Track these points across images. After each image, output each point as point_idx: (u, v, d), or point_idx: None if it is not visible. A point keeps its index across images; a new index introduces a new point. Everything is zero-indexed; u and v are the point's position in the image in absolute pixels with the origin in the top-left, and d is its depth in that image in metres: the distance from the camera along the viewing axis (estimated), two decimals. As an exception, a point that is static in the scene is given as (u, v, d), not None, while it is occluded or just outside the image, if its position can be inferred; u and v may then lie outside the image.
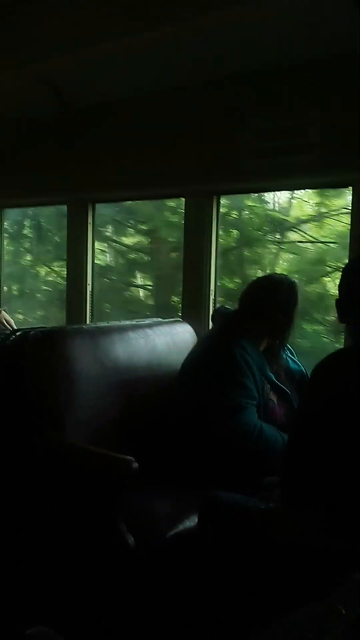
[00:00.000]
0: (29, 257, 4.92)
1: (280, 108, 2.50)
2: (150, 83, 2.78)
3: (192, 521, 1.87)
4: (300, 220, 3.50)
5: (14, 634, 1.04)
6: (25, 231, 4.81)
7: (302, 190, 3.27)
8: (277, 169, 2.53)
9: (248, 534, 1.63)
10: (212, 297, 2.79)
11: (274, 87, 2.52)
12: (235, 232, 3.69)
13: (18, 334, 2.38)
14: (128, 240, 4.53)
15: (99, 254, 4.03)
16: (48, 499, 2.05)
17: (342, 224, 2.97)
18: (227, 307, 2.51)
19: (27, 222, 4.75)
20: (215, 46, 2.45)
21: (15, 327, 3.43)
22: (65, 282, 3.52)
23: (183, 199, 2.94)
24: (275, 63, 2.45)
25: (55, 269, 4.63)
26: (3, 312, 3.54)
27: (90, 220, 3.33)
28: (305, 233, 3.52)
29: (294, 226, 3.54)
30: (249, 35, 2.35)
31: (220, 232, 2.91)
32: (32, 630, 1.03)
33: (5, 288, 4.33)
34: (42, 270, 4.85)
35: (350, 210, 2.48)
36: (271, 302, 2.27)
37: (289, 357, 2.38)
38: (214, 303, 2.80)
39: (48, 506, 2.04)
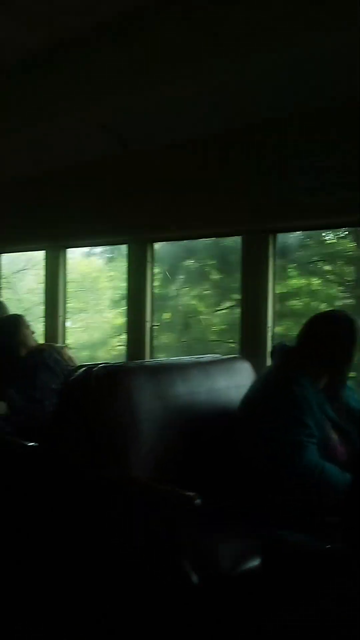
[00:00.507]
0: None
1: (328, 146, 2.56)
2: (204, 126, 2.88)
3: (256, 561, 1.85)
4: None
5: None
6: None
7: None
8: (334, 206, 2.56)
9: (311, 576, 1.61)
10: (270, 333, 2.81)
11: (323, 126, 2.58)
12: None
13: (82, 370, 2.47)
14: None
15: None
16: (112, 532, 2.08)
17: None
18: (286, 343, 2.51)
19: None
20: (270, 86, 2.52)
21: (75, 362, 3.55)
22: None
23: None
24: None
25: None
26: (66, 349, 3.67)
27: (149, 258, 3.43)
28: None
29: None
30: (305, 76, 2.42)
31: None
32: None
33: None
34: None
35: None
36: (330, 339, 2.27)
37: (350, 395, 2.36)
38: (272, 339, 2.82)
39: (112, 540, 2.07)
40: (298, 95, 2.54)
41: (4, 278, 4.93)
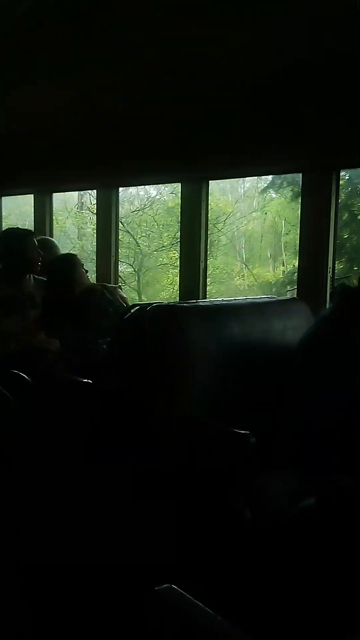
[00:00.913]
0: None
1: None
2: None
3: (309, 501, 1.83)
4: None
5: (145, 590, 1.08)
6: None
7: None
8: None
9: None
10: (329, 274, 2.71)
11: None
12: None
13: (137, 309, 2.45)
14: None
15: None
16: (166, 468, 2.11)
17: None
18: (346, 284, 2.42)
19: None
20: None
21: (127, 302, 3.56)
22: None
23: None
24: None
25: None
26: (119, 289, 3.67)
27: (203, 197, 3.34)
28: None
29: None
30: None
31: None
32: (162, 587, 1.07)
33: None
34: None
35: None
36: None
37: None
38: (332, 281, 2.72)
39: (165, 476, 2.10)
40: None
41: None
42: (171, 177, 3.66)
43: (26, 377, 1.74)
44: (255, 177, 8.90)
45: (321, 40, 2.44)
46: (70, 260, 3.36)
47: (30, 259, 3.34)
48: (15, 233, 3.51)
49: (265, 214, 10.14)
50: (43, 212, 4.51)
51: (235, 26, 2.52)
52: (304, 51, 2.55)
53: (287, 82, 2.72)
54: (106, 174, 3.89)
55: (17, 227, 3.79)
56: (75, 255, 3.47)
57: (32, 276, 3.41)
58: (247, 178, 8.91)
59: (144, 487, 2.17)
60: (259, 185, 9.79)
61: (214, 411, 2.16)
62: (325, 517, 1.71)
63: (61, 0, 2.40)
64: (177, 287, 3.48)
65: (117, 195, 4.02)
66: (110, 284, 3.71)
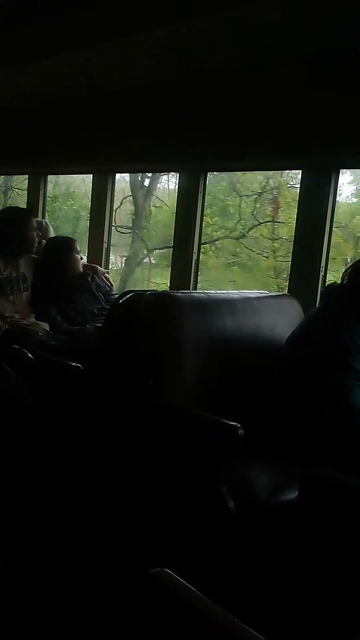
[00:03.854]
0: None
1: None
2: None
3: (292, 493, 1.88)
4: None
5: (137, 573, 1.11)
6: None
7: None
8: None
9: (353, 512, 1.63)
10: (322, 272, 2.74)
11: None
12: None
13: (130, 295, 2.47)
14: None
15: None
16: (154, 457, 2.13)
17: None
18: (336, 283, 2.45)
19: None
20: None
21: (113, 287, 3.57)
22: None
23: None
24: None
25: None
26: (107, 274, 3.67)
27: (200, 189, 3.34)
28: None
29: None
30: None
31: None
32: (154, 570, 1.09)
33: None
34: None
35: None
36: None
37: None
38: (324, 279, 2.75)
39: (152, 463, 2.12)
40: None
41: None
42: (168, 167, 3.64)
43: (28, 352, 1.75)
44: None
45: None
46: (67, 244, 3.35)
47: (29, 239, 3.32)
48: (15, 212, 3.49)
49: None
50: (37, 194, 4.47)
51: (235, 14, 2.52)
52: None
53: (288, 77, 2.73)
54: (101, 159, 3.87)
55: (17, 207, 3.76)
56: (73, 239, 3.46)
57: (28, 256, 3.40)
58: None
59: (132, 473, 2.19)
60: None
61: (203, 401, 2.18)
62: (307, 507, 1.75)
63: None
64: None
65: (113, 181, 4.01)
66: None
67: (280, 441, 2.17)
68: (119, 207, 5.76)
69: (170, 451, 2.09)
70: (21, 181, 6.45)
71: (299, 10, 2.42)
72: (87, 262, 3.81)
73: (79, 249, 3.40)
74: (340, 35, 2.43)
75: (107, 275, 3.66)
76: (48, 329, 3.23)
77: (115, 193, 4.10)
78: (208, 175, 3.40)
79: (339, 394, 2.09)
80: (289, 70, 2.69)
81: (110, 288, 3.57)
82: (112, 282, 3.67)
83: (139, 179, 6.17)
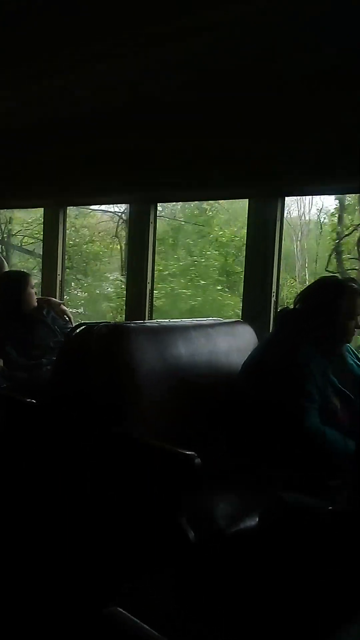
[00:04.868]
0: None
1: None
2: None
3: (252, 520, 1.86)
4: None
5: (91, 613, 1.08)
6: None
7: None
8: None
9: (315, 536, 1.62)
10: (273, 297, 2.78)
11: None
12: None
13: (82, 327, 2.45)
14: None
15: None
16: (110, 490, 2.09)
17: None
18: (289, 308, 2.49)
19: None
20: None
21: (72, 320, 3.54)
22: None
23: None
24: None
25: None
26: (62, 306, 3.64)
27: (151, 219, 3.37)
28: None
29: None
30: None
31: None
32: (108, 610, 1.06)
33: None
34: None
35: None
36: (331, 305, 2.25)
37: (355, 362, 2.36)
38: (276, 305, 2.79)
39: (110, 497, 2.08)
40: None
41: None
42: (120, 198, 3.67)
43: None
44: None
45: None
46: (21, 279, 3.31)
47: None
48: None
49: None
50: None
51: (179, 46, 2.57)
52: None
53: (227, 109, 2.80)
54: (54, 193, 3.87)
55: None
56: (27, 273, 3.43)
57: None
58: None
59: (89, 505, 2.14)
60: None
61: (160, 430, 2.16)
62: (268, 532, 1.74)
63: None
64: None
65: (65, 215, 4.01)
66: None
67: (240, 467, 2.16)
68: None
69: (128, 482, 2.05)
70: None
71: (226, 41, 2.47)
72: (42, 295, 3.78)
73: (33, 284, 3.37)
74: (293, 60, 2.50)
75: (63, 307, 3.63)
76: (2, 364, 3.17)
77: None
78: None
79: (296, 418, 2.10)
80: (232, 102, 2.76)
81: (68, 320, 3.53)
82: (70, 315, 3.64)
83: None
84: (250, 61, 2.50)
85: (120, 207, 6.71)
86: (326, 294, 2.29)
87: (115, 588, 1.77)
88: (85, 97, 3.25)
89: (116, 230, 6.96)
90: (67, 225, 4.11)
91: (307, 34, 2.22)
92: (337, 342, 2.31)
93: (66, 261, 4.10)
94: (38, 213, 6.72)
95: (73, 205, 4.09)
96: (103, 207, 7.05)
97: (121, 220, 6.95)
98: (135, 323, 2.58)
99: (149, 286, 3.37)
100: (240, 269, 5.18)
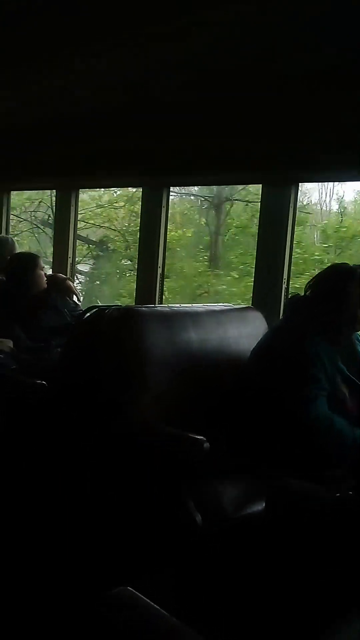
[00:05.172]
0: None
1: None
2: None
3: (259, 505, 1.88)
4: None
5: (99, 594, 1.09)
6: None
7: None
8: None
9: (319, 522, 1.63)
10: (284, 284, 2.78)
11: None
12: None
13: (94, 311, 2.45)
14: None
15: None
16: (120, 473, 2.11)
17: None
18: (300, 295, 2.48)
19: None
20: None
21: (79, 297, 3.53)
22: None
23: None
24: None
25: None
26: (68, 281, 3.63)
27: (163, 203, 3.36)
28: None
29: None
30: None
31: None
32: (116, 590, 1.07)
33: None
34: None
35: None
36: (341, 293, 2.24)
37: (364, 350, 2.35)
38: (287, 291, 2.79)
39: (120, 480, 2.10)
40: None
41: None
42: (131, 182, 3.66)
43: None
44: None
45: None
46: (30, 261, 3.32)
47: None
48: None
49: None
50: (0, 210, 4.45)
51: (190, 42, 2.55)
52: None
53: (245, 94, 2.78)
54: (65, 175, 3.87)
55: None
56: (36, 255, 3.43)
57: None
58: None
59: (98, 488, 2.17)
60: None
61: (168, 415, 2.18)
62: (274, 518, 1.76)
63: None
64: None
65: (77, 197, 4.00)
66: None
67: (247, 453, 2.17)
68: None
69: (137, 466, 2.07)
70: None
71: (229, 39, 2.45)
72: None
73: (42, 265, 3.37)
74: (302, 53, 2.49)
75: (69, 283, 3.60)
76: (12, 346, 3.18)
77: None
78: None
79: (304, 405, 2.11)
80: (247, 89, 2.73)
81: (76, 302, 3.53)
82: (77, 292, 3.62)
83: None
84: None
85: (208, 190, 6.04)
86: (336, 281, 2.28)
87: (123, 569, 1.80)
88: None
89: (204, 214, 6.17)
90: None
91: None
92: (347, 330, 2.31)
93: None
94: (95, 193, 6.28)
95: (84, 188, 4.09)
96: (185, 189, 6.41)
97: (207, 204, 6.28)
98: (146, 307, 2.58)
99: (159, 270, 3.37)
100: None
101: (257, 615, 1.62)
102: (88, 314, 2.49)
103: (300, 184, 2.82)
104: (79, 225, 4.22)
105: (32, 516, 2.36)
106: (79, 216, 4.35)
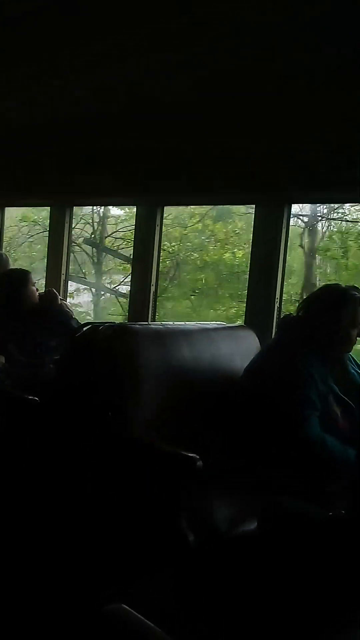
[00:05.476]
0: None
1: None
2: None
3: (252, 524, 1.88)
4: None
5: (93, 611, 1.09)
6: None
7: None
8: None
9: (312, 541, 1.64)
10: (277, 304, 2.80)
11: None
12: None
13: (88, 328, 2.46)
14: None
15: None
16: (110, 490, 2.10)
17: None
18: (292, 315, 2.51)
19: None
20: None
21: (71, 310, 3.53)
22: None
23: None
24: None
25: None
26: (64, 302, 3.64)
27: (158, 222, 3.39)
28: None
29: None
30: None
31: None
32: (111, 606, 1.07)
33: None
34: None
35: None
36: (333, 313, 2.26)
37: (356, 370, 2.37)
38: (279, 311, 2.81)
39: (110, 497, 2.10)
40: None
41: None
42: (126, 200, 3.69)
43: None
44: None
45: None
46: (22, 277, 3.32)
47: None
48: None
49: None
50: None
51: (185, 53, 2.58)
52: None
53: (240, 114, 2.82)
54: (59, 192, 3.89)
55: None
56: (28, 271, 3.44)
57: None
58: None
59: (90, 505, 2.16)
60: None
61: (161, 432, 2.18)
62: (266, 536, 1.76)
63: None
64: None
65: (71, 213, 4.03)
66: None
67: (240, 470, 2.17)
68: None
69: (129, 483, 2.07)
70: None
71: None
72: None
73: (34, 281, 3.38)
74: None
75: (64, 303, 3.61)
76: (4, 362, 3.18)
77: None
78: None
79: (296, 425, 2.12)
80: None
81: (70, 315, 3.52)
82: (69, 310, 3.62)
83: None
84: (250, 61, 2.52)
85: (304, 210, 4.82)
86: (329, 301, 2.31)
87: (116, 586, 1.79)
88: (86, 97, 3.28)
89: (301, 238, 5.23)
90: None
91: (307, 34, 2.24)
92: (339, 350, 2.33)
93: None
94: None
95: (79, 206, 4.11)
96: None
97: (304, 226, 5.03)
98: (140, 324, 2.59)
99: (152, 288, 3.39)
100: None
101: (250, 632, 1.61)
102: (83, 330, 2.50)
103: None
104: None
105: (25, 530, 2.35)
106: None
